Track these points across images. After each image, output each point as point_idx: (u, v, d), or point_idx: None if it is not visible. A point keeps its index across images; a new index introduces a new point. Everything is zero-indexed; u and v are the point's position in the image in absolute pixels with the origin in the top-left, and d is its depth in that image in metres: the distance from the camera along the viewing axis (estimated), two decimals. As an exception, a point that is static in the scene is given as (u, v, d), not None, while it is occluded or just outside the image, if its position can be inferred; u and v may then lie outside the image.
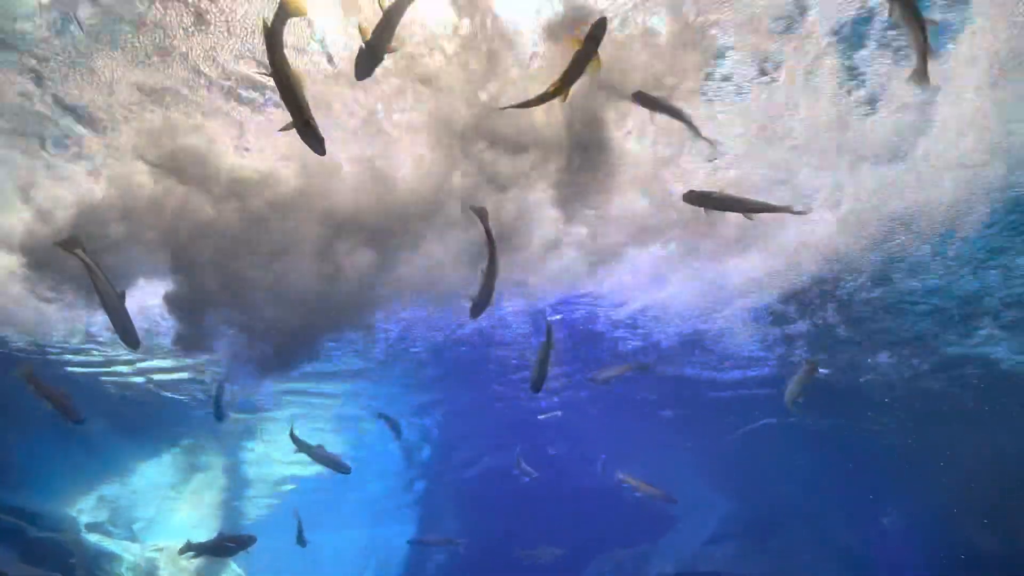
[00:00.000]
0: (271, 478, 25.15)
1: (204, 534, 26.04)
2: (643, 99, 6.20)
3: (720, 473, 22.95)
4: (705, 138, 6.79)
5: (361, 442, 21.22)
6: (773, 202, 6.10)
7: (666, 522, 23.66)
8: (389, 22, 4.44)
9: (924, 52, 4.46)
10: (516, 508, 23.60)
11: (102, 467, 20.59)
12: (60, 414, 8.23)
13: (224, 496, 25.78)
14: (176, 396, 15.84)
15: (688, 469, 23.08)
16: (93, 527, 21.65)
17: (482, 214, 6.03)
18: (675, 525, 23.72)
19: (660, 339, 13.83)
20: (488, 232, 6.06)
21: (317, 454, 10.20)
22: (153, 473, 22.08)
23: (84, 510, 21.96)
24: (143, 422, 17.22)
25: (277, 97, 5.38)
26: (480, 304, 6.61)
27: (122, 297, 6.35)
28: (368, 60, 4.66)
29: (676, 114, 6.40)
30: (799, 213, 5.98)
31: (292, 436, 10.30)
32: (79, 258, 6.13)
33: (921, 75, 4.55)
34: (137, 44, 6.45)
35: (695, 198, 5.93)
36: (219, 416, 10.42)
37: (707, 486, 23.83)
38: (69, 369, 13.89)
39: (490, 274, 6.33)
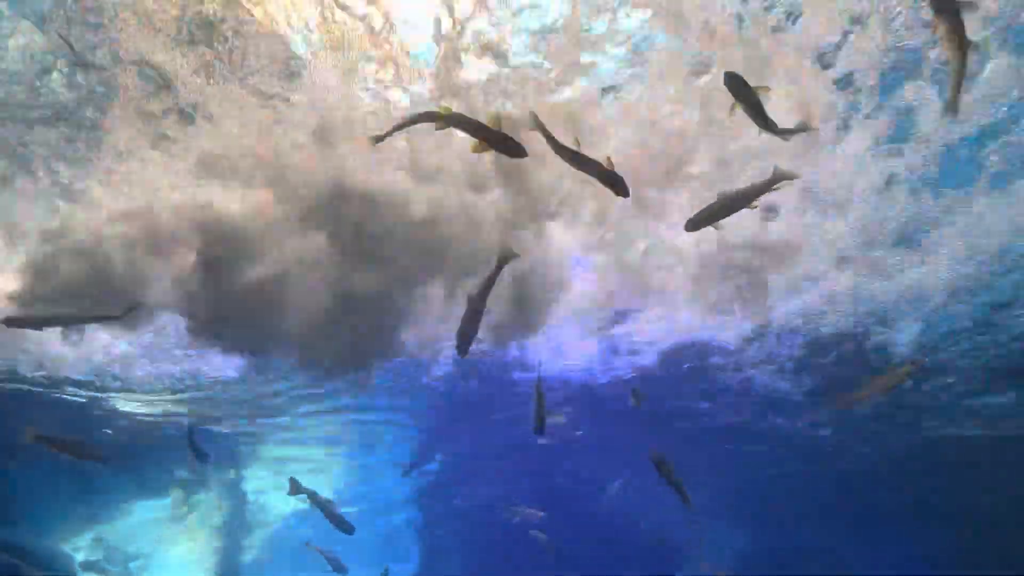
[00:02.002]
0: (269, 515, 24.66)
1: (201, 572, 25.58)
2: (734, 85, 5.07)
3: (737, 508, 22.33)
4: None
5: (365, 474, 20.87)
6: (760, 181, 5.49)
7: (680, 558, 22.95)
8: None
9: (960, 77, 4.25)
10: (525, 543, 22.94)
11: (98, 504, 20.21)
12: (83, 459, 8.28)
13: (222, 533, 25.23)
14: (173, 433, 15.57)
15: (704, 502, 22.45)
16: (88, 565, 21.19)
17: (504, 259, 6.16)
18: (689, 561, 23.01)
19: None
20: (494, 276, 6.10)
21: (325, 507, 9.95)
22: (150, 510, 21.65)
23: (80, 547, 21.51)
24: (140, 458, 16.92)
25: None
26: (463, 341, 6.44)
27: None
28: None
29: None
30: (792, 178, 5.64)
31: (300, 487, 9.98)
32: None
33: (951, 104, 4.41)
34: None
35: (700, 222, 5.52)
36: (201, 458, 10.13)
37: (723, 520, 23.18)
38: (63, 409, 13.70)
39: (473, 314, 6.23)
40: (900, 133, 7.21)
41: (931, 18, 4.16)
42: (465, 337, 6.32)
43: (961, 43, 4.13)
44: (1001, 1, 5.48)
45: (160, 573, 24.61)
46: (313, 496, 9.99)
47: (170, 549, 24.67)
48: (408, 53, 6.54)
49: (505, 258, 6.13)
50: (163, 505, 21.51)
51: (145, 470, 18.28)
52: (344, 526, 10.14)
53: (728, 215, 5.48)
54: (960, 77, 4.23)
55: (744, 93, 4.77)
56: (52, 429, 8.07)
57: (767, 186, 5.38)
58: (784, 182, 5.38)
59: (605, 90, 6.98)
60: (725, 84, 4.72)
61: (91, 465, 15.40)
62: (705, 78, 6.75)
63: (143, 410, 14.43)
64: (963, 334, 11.29)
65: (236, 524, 23.97)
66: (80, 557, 21.00)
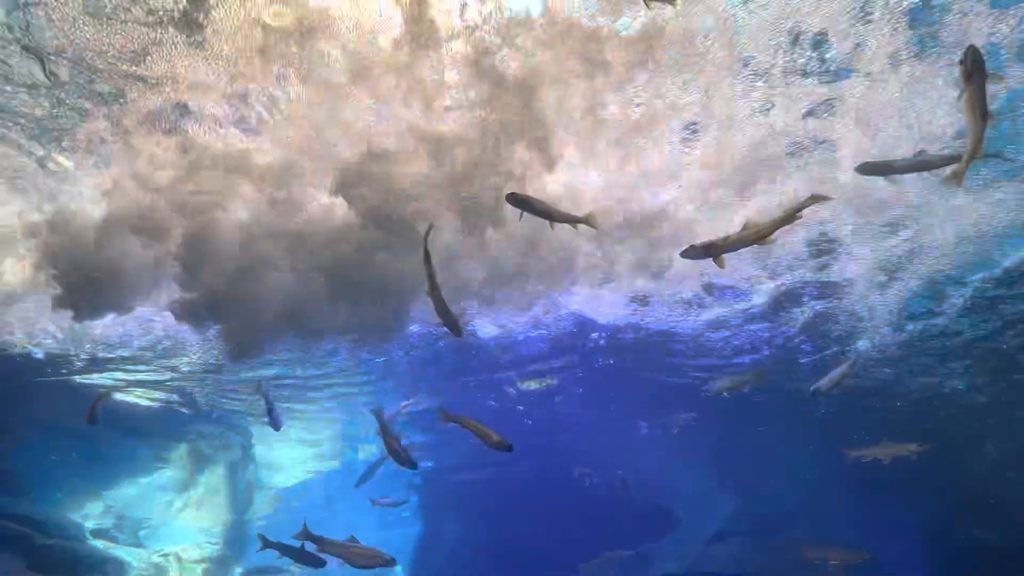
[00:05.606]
0: (276, 481, 25.20)
1: (210, 538, 26.22)
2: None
3: (724, 471, 22.84)
4: None
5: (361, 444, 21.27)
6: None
7: (669, 522, 23.53)
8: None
9: (976, 147, 4.09)
10: (518, 509, 23.53)
11: (107, 473, 20.65)
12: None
13: (230, 500, 25.81)
14: (182, 402, 15.86)
15: (691, 467, 22.97)
16: (99, 533, 21.69)
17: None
18: (679, 524, 23.61)
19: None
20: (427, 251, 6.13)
21: (292, 552, 9.62)
22: (159, 478, 22.13)
23: (90, 516, 22.00)
24: (149, 427, 17.25)
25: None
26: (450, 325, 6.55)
27: None
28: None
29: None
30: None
31: (263, 538, 10.07)
32: None
33: (959, 175, 4.30)
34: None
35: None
36: (276, 425, 10.49)
37: (711, 484, 23.72)
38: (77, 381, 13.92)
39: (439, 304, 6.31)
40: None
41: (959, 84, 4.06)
42: (451, 321, 6.49)
43: (983, 112, 4.06)
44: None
45: (169, 539, 25.22)
46: (272, 543, 9.95)
47: (179, 516, 25.27)
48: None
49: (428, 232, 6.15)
50: (173, 472, 21.99)
51: (154, 437, 18.64)
52: (316, 562, 9.64)
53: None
54: (976, 145, 4.09)
55: None
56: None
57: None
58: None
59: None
60: None
61: (100, 433, 15.79)
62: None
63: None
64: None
65: (244, 490, 24.54)
66: (90, 525, 21.49)
